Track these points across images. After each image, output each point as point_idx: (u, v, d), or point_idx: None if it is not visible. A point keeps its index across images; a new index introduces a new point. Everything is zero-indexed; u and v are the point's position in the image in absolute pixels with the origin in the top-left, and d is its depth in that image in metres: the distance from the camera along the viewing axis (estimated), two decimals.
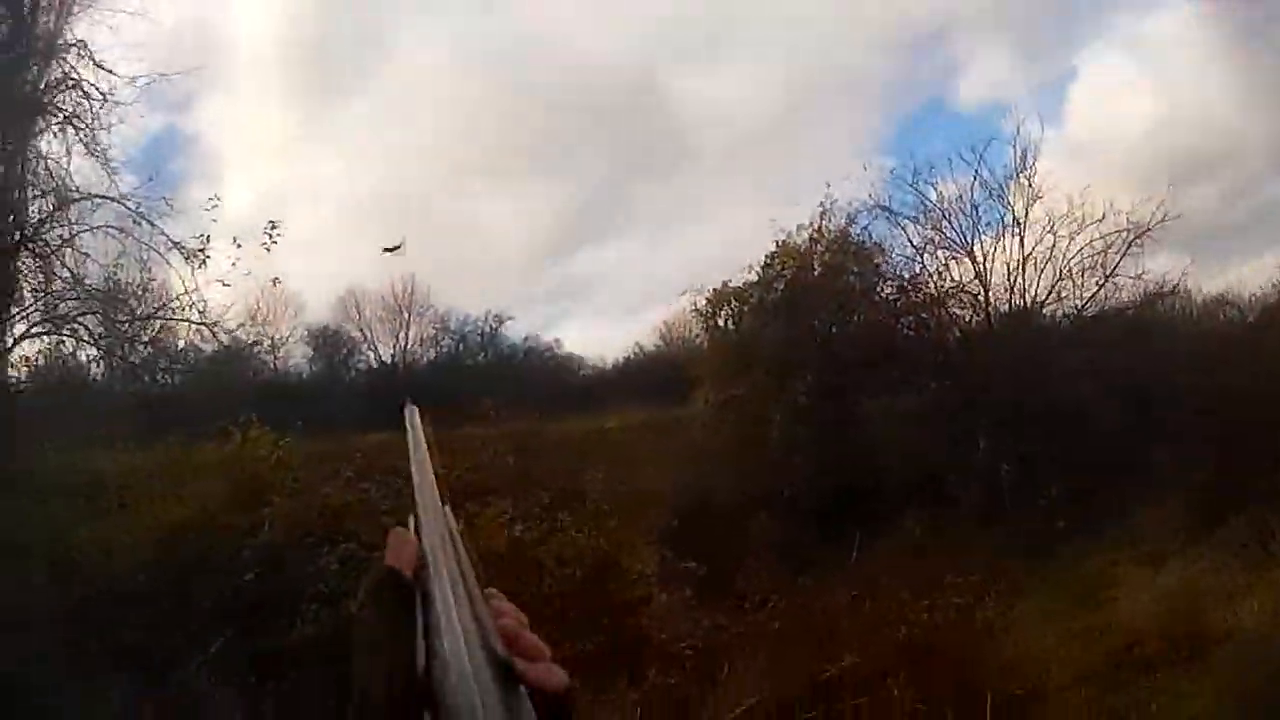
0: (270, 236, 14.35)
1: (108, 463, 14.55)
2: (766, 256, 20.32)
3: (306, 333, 31.15)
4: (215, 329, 14.91)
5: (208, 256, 14.12)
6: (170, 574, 13.54)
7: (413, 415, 1.52)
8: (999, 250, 20.47)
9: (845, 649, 11.04)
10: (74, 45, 13.79)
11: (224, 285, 14.13)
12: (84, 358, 14.73)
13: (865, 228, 20.93)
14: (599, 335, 52.54)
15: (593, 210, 41.28)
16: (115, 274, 14.41)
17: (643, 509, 14.68)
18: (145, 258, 14.39)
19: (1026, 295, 20.36)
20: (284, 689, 12.27)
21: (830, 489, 16.78)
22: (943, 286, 20.61)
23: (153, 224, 14.35)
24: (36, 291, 13.82)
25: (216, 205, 14.47)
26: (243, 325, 15.78)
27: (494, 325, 33.45)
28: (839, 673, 10.58)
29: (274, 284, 15.51)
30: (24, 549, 12.70)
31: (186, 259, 14.23)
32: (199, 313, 14.49)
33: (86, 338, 14.29)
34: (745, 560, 14.09)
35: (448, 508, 1.20)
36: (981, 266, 20.37)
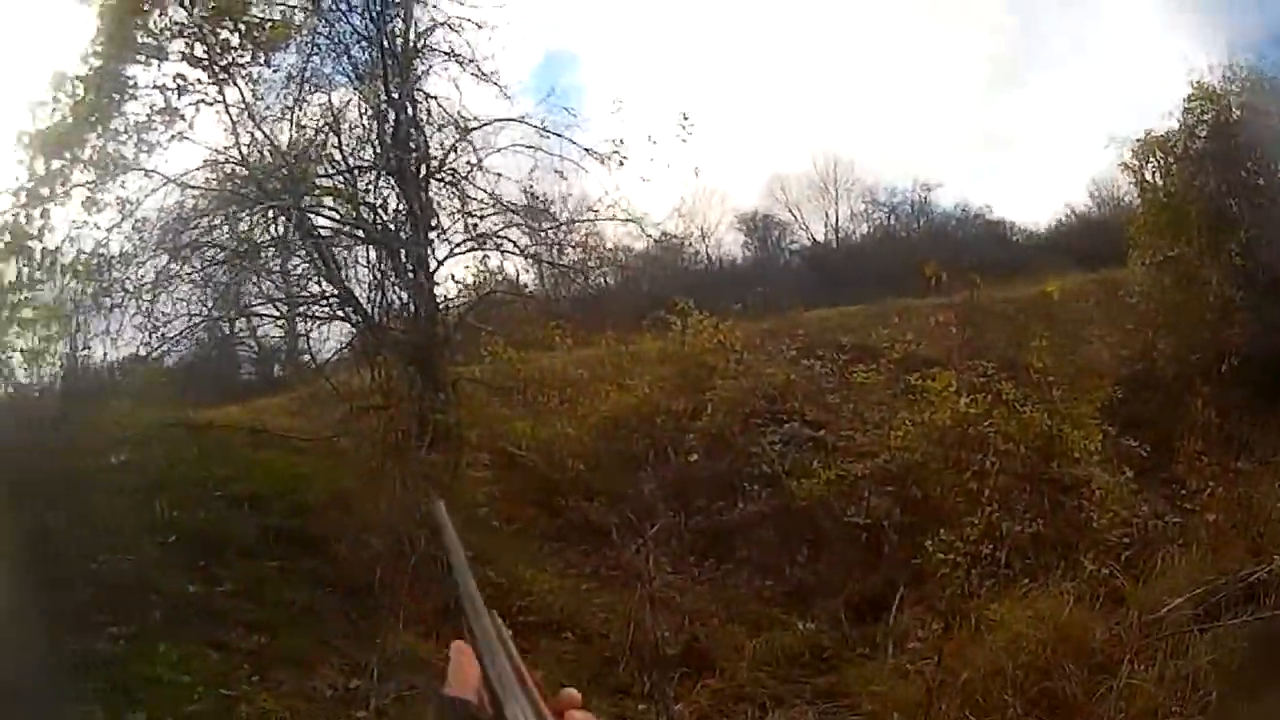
0: (684, 128, 14.35)
1: (547, 362, 15.40)
2: (1185, 100, 18.54)
3: (736, 219, 31.86)
4: (642, 223, 15.19)
5: (625, 158, 14.36)
6: (614, 461, 14.26)
7: (439, 512, 1.41)
8: None
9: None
10: None
11: (644, 181, 14.27)
12: (512, 269, 15.31)
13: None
14: (1026, 194, 50.80)
15: (1004, 59, 39.30)
16: (531, 188, 14.91)
17: (1085, 380, 13.83)
18: (560, 169, 14.80)
19: None
20: (724, 567, 12.78)
21: (1273, 360, 15.14)
22: None
23: (560, 135, 14.74)
24: (453, 215, 14.40)
25: (621, 108, 14.61)
26: (670, 218, 15.99)
27: (923, 194, 32.86)
28: (1269, 576, 9.41)
29: (695, 174, 15.52)
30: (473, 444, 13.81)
31: (602, 162, 14.52)
32: (624, 211, 14.81)
33: (512, 249, 14.91)
34: (1185, 440, 12.93)
35: (493, 612, 1.11)
36: None
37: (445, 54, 14.50)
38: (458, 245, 14.48)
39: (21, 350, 9.95)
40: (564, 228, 15.59)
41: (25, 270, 10.12)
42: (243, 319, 15.37)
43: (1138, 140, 18.46)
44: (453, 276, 14.97)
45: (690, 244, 21.00)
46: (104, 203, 11.22)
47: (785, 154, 59.71)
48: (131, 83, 11.53)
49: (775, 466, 13.78)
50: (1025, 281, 18.37)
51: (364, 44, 14.15)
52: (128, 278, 11.73)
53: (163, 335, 12.34)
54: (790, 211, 32.82)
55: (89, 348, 11.29)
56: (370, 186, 14.03)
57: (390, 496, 11.36)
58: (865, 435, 14.18)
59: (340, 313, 13.87)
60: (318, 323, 14.50)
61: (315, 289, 14.01)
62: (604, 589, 11.88)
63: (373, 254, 13.89)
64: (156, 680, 8.17)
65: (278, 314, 15.44)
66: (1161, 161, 18.62)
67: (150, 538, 9.76)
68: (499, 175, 14.71)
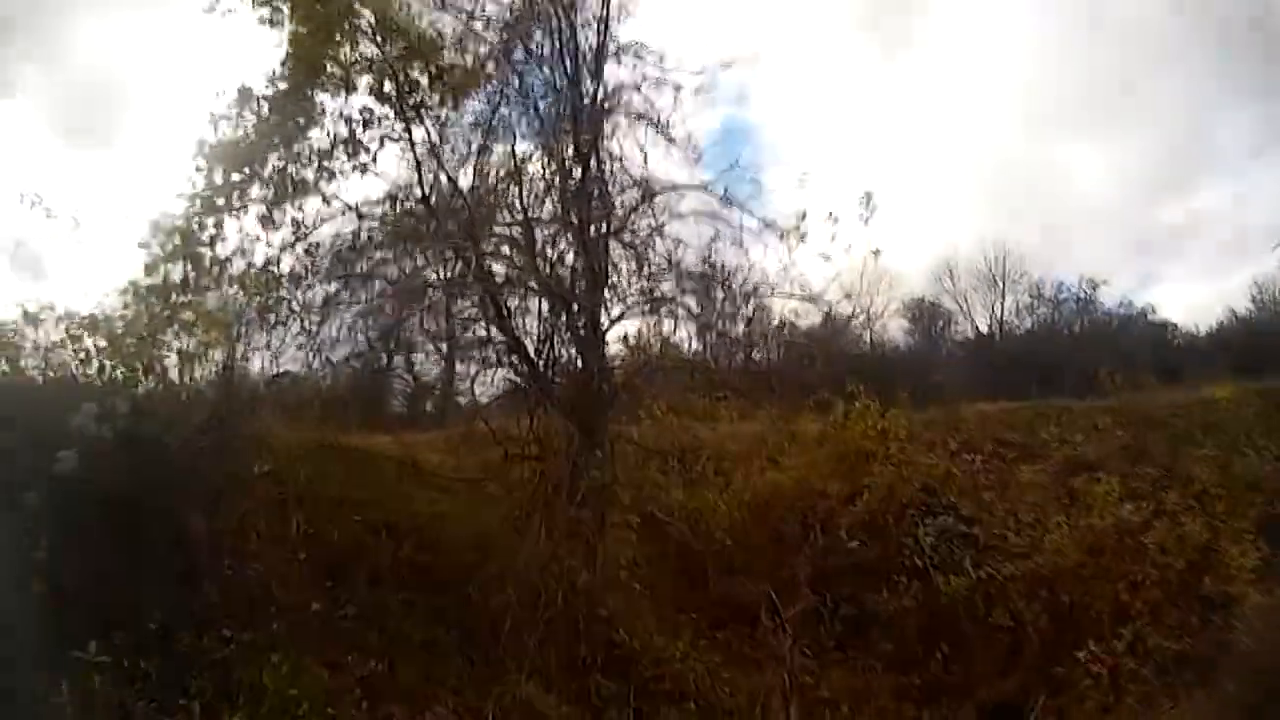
0: (866, 208, 14.06)
1: (705, 431, 15.16)
2: None
3: (902, 304, 31.32)
4: (816, 301, 14.90)
5: (805, 233, 14.15)
6: (763, 539, 13.89)
7: None
8: None
9: None
10: (632, 46, 14.36)
11: (825, 259, 14.00)
12: (680, 336, 15.17)
13: None
14: (1189, 295, 48.84)
15: (1177, 156, 37.88)
16: (710, 256, 14.79)
17: (1242, 493, 12.88)
18: (740, 239, 14.65)
19: None
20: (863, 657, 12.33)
21: None
22: None
23: (742, 207, 14.61)
24: (630, 276, 14.36)
25: (806, 180, 14.42)
26: (842, 299, 15.67)
27: (1089, 290, 31.83)
28: None
29: (874, 255, 15.13)
30: (621, 504, 13.45)
31: (782, 237, 14.32)
32: (799, 287, 14.56)
33: (684, 315, 14.76)
34: None
35: None
36: None
37: (634, 115, 14.60)
38: (630, 306, 14.38)
39: (179, 352, 10.26)
40: (737, 299, 15.37)
41: (192, 275, 10.50)
42: (402, 353, 15.65)
43: None
44: (623, 337, 15.00)
45: (856, 326, 20.68)
46: (279, 222, 11.62)
47: (952, 241, 58.65)
48: (318, 110, 11.99)
49: (925, 560, 13.26)
50: (1184, 386, 17.43)
51: (552, 97, 14.37)
52: (295, 297, 12.08)
53: (326, 358, 12.66)
54: (956, 301, 32.16)
55: (248, 359, 11.68)
56: (549, 239, 14.16)
57: (532, 547, 11.31)
58: (1019, 536, 13.48)
59: (505, 359, 13.95)
60: (481, 367, 14.61)
61: (481, 333, 14.11)
62: (738, 666, 11.58)
63: (544, 306, 13.97)
64: (261, 689, 8.19)
65: (440, 353, 15.66)
66: None
67: (282, 550, 9.88)
68: (679, 241, 14.65)
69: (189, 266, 10.44)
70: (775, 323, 15.85)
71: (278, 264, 11.69)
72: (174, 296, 10.26)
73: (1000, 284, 31.64)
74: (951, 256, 32.00)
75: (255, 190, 11.27)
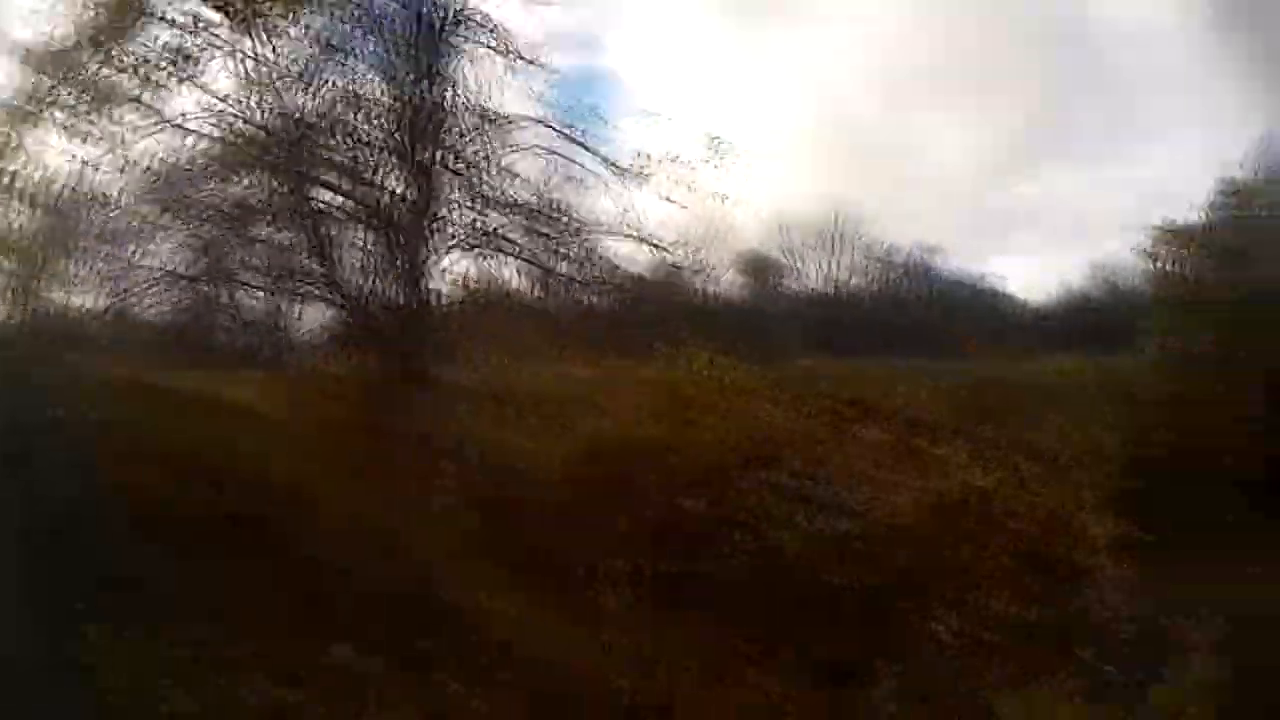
0: (715, 151, 13.75)
1: (532, 376, 14.66)
2: (1212, 195, 18.31)
3: (737, 256, 31.28)
4: (653, 244, 14.54)
5: (648, 174, 13.75)
6: (588, 489, 13.50)
7: None
8: None
9: None
10: None
11: (668, 201, 13.73)
12: (510, 275, 14.60)
13: None
14: (1028, 271, 50.70)
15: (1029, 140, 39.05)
16: (545, 192, 14.23)
17: (1093, 464, 13.29)
18: (579, 177, 14.15)
19: None
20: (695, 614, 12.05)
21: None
22: None
23: (583, 144, 14.12)
24: (459, 208, 13.72)
25: (654, 122, 14.04)
26: (676, 244, 15.35)
27: (923, 256, 32.54)
28: None
29: (721, 200, 14.76)
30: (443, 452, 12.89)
31: (621, 176, 13.90)
32: (634, 230, 14.14)
33: (512, 251, 14.18)
34: (1195, 534, 12.41)
35: None
36: None
37: (480, 40, 13.80)
38: (458, 241, 13.67)
39: None
40: (571, 237, 14.85)
41: None
42: (224, 287, 14.56)
43: (1158, 228, 18.19)
44: (454, 278, 14.29)
45: (693, 274, 20.46)
46: (91, 135, 10.35)
47: (791, 197, 59.37)
48: (145, 10, 10.74)
49: (758, 515, 13.02)
50: (1026, 357, 18.00)
51: (397, 17, 13.41)
52: (106, 219, 10.92)
53: (136, 287, 11.57)
54: (789, 256, 32.44)
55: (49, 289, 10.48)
56: (376, 165, 13.27)
57: (352, 495, 10.61)
58: (857, 494, 13.37)
59: (326, 294, 13.09)
60: (301, 301, 13.72)
61: (302, 265, 13.20)
62: (565, 625, 11.04)
63: (369, 237, 13.12)
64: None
65: (259, 285, 14.63)
66: (1179, 252, 18.34)
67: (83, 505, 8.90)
68: (514, 175, 14.01)
69: None
70: (610, 266, 15.48)
71: (87, 183, 10.47)
72: None
73: (836, 244, 31.96)
74: (788, 212, 32.10)
75: (65, 96, 9.99)
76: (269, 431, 12.28)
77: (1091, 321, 23.96)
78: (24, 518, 8.27)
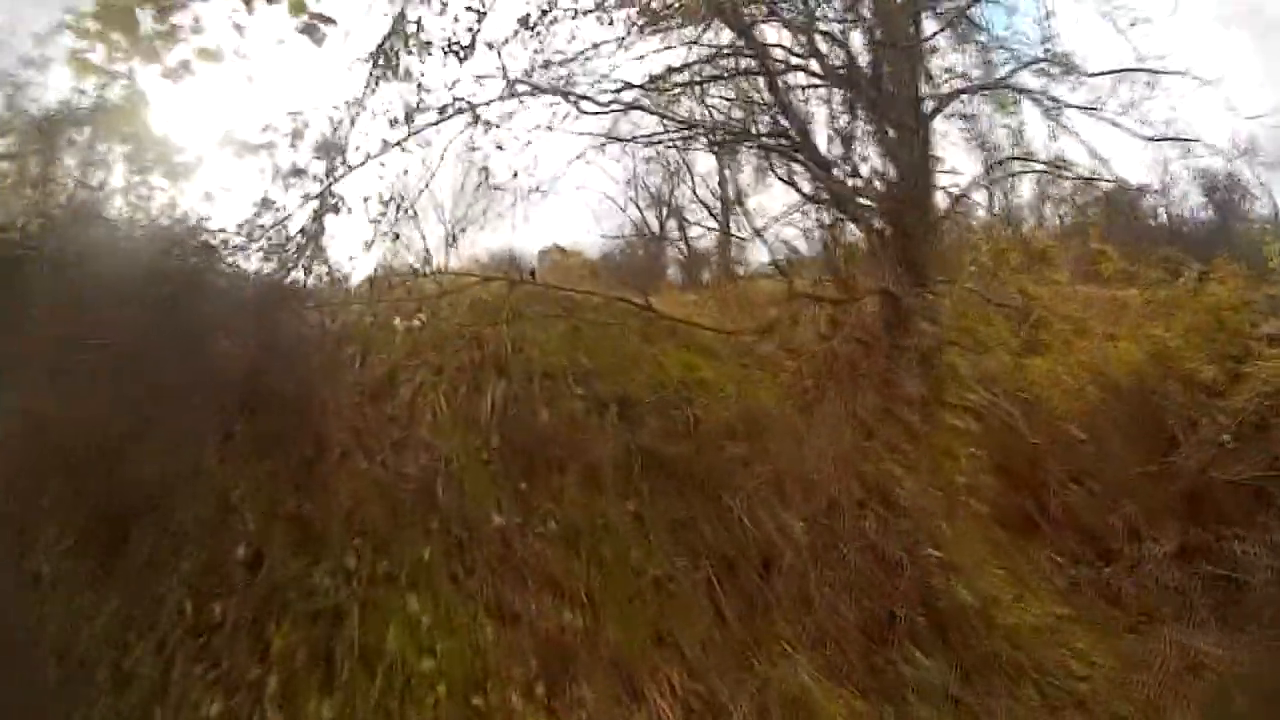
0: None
1: (1034, 287, 11.12)
2: None
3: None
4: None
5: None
6: (1116, 435, 9.77)
7: None
8: None
9: None
10: None
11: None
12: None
13: None
14: None
15: None
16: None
17: None
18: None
19: None
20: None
21: None
22: None
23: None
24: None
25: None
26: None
27: None
28: None
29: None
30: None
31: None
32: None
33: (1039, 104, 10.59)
34: None
35: None
36: None
37: None
38: (953, 95, 10.33)
39: None
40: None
41: None
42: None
43: None
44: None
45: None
46: None
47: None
48: None
49: None
50: None
51: None
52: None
53: None
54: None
55: None
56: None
57: (826, 437, 7.72)
58: None
59: (791, 163, 10.11)
60: (755, 174, 10.97)
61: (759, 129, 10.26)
62: (1093, 628, 7.69)
63: (835, 97, 10.00)
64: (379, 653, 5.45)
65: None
66: None
67: (460, 436, 6.71)
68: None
69: None
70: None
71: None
72: None
73: None
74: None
75: None
76: (718, 351, 9.49)
77: None
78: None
